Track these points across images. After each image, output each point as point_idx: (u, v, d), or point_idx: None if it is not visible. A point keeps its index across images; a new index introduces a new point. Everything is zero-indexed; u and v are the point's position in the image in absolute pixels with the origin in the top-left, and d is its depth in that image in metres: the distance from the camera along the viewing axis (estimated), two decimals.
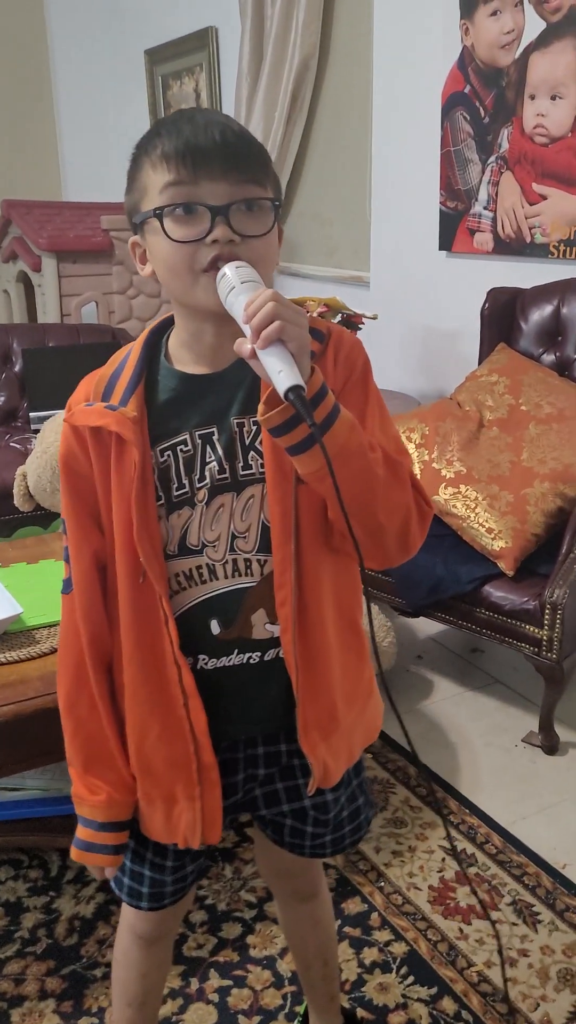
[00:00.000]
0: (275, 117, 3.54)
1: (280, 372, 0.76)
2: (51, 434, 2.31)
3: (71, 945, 1.61)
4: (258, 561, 0.95)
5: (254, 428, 0.92)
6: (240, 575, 0.95)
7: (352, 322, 2.88)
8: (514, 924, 1.64)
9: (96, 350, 3.47)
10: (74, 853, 1.05)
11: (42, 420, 2.95)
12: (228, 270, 0.83)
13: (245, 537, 0.94)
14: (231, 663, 0.98)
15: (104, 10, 4.77)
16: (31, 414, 3.43)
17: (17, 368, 3.55)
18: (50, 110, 5.17)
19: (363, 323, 2.90)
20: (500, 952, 1.57)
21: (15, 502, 2.38)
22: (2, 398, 3.57)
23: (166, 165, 0.84)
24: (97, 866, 1.06)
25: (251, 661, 0.98)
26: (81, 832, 1.04)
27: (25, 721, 1.46)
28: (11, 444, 3.24)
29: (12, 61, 4.97)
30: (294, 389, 0.75)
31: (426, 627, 2.76)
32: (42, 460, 2.28)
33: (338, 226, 3.61)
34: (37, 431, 2.81)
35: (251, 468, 0.92)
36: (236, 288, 0.81)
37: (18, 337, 3.59)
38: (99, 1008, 1.48)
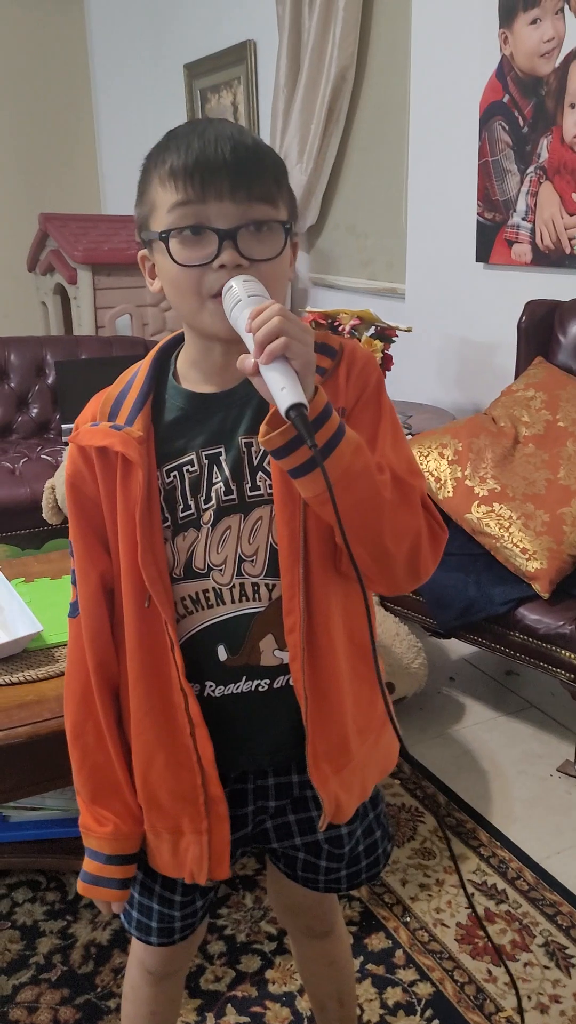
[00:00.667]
0: (311, 130, 3.51)
1: (283, 389, 0.73)
2: None
3: (86, 973, 1.57)
4: (266, 585, 0.91)
5: (262, 448, 0.88)
6: (247, 600, 0.92)
7: (386, 335, 2.83)
8: (546, 967, 1.57)
9: (128, 362, 3.44)
10: (81, 887, 1.02)
11: None
12: (235, 283, 0.79)
13: (252, 560, 0.90)
14: (239, 690, 0.94)
15: (144, 25, 4.79)
16: (63, 426, 3.43)
17: (50, 380, 3.55)
18: (90, 124, 5.21)
19: (397, 336, 2.85)
20: (518, 999, 1.49)
21: (43, 515, 2.37)
22: (35, 410, 3.57)
23: (174, 183, 0.81)
24: (104, 901, 1.02)
25: (259, 689, 0.94)
26: (88, 865, 1.00)
27: (42, 742, 1.43)
28: (42, 456, 3.23)
29: (54, 76, 5.02)
30: (296, 407, 0.72)
31: (459, 647, 2.69)
32: None
33: (373, 238, 3.56)
34: (67, 443, 2.80)
35: (259, 489, 0.89)
36: (242, 301, 0.78)
37: (51, 349, 3.59)
38: None
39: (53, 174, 5.11)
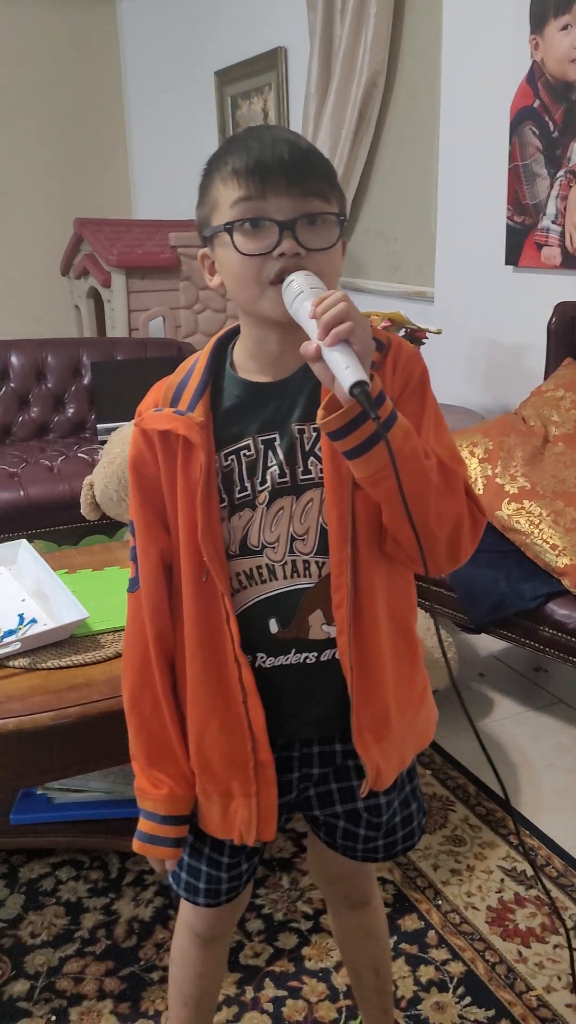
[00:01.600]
0: (342, 135, 3.57)
1: (347, 368, 0.78)
2: (118, 445, 2.35)
3: (130, 947, 1.63)
4: (316, 563, 0.97)
5: (314, 434, 0.95)
6: (298, 576, 0.98)
7: (416, 336, 2.88)
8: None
9: (162, 363, 3.53)
10: (136, 845, 1.07)
11: (109, 431, 3.01)
12: (296, 277, 0.86)
13: (304, 539, 0.97)
14: (288, 662, 1.00)
15: (176, 33, 4.87)
16: (98, 425, 3.50)
17: (86, 380, 3.63)
18: (122, 131, 5.30)
19: (427, 338, 2.89)
20: (573, 964, 1.53)
21: (82, 511, 2.43)
22: (71, 409, 3.65)
23: (236, 181, 0.88)
24: (157, 859, 1.08)
25: (308, 661, 1.00)
26: (143, 825, 1.06)
27: (90, 723, 1.49)
28: (79, 454, 3.31)
29: (87, 83, 5.12)
30: (360, 384, 0.78)
31: (488, 644, 2.73)
32: (108, 470, 2.33)
33: (403, 242, 3.61)
34: (104, 442, 2.87)
35: (311, 473, 0.95)
36: (304, 293, 0.84)
37: (88, 350, 3.67)
38: (155, 1011, 1.50)
39: (86, 180, 5.21)
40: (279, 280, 0.87)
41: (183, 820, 1.06)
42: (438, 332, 2.91)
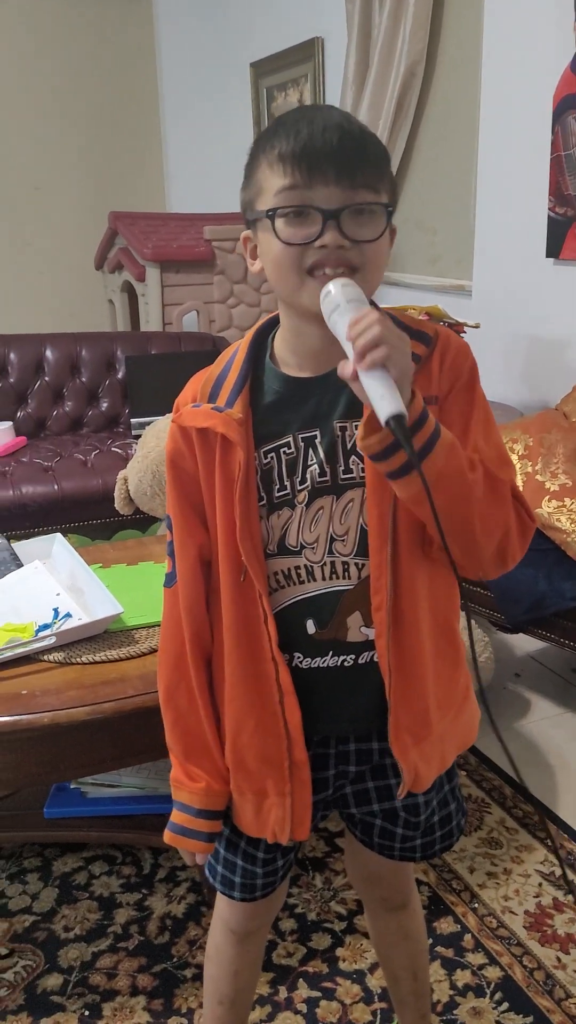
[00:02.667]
0: (379, 125, 3.53)
1: (382, 398, 0.76)
2: (152, 439, 2.35)
3: (162, 944, 1.62)
4: (355, 564, 0.95)
5: (356, 434, 0.91)
6: (337, 577, 0.96)
7: (454, 330, 2.84)
8: None
9: (196, 358, 3.52)
10: (167, 836, 1.06)
11: (143, 426, 3.01)
12: (333, 287, 0.83)
13: (343, 540, 0.94)
14: (326, 664, 0.98)
15: (211, 24, 4.85)
16: (132, 420, 3.50)
17: (120, 375, 3.63)
18: (157, 123, 5.29)
19: (464, 332, 2.85)
20: None
21: (116, 505, 2.43)
22: (105, 404, 3.65)
23: (282, 167, 0.85)
24: (189, 851, 1.07)
25: (345, 663, 0.98)
26: (177, 817, 1.05)
27: (124, 719, 1.48)
28: (113, 449, 3.31)
29: (121, 76, 5.11)
30: (395, 418, 0.75)
31: (525, 644, 2.69)
32: (143, 465, 2.32)
33: (441, 234, 3.57)
34: (138, 437, 2.87)
35: (351, 472, 0.93)
36: (341, 307, 0.81)
37: (122, 345, 3.67)
38: (188, 1009, 1.49)
39: (121, 173, 5.20)
40: (319, 270, 0.84)
41: (217, 815, 1.05)
42: (476, 326, 2.87)
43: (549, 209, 2.89)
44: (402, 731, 0.99)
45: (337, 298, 0.82)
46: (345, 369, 0.79)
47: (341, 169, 0.83)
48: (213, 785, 1.03)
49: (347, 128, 0.84)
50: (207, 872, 1.14)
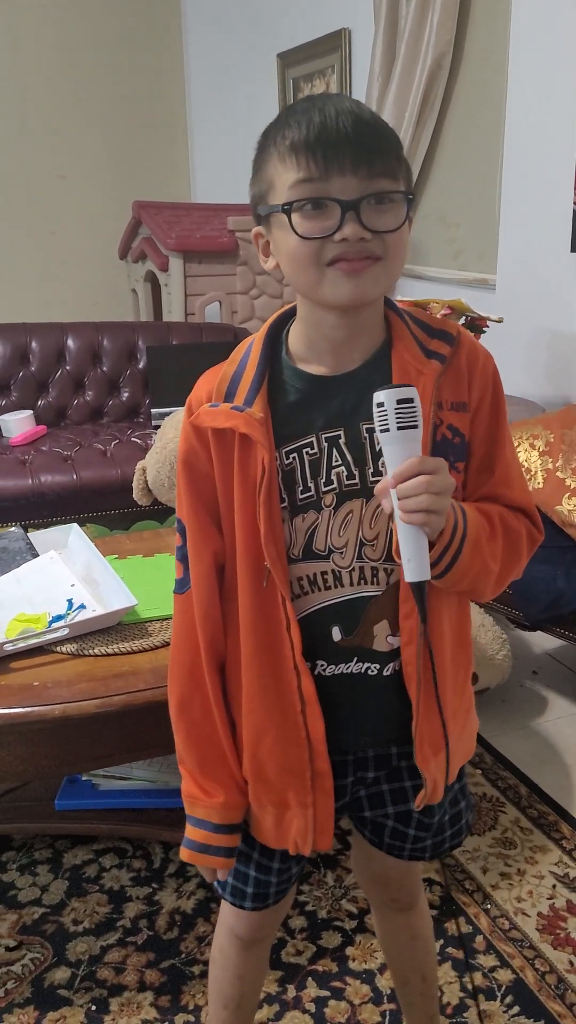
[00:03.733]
0: (405, 118, 3.49)
1: (409, 561, 0.83)
2: (171, 430, 2.34)
3: (171, 939, 1.61)
4: (385, 570, 0.92)
5: None
6: (366, 583, 0.93)
7: (477, 325, 2.81)
8: None
9: (217, 349, 3.50)
10: (186, 855, 1.03)
11: (163, 416, 3.00)
12: (386, 401, 0.81)
13: (374, 545, 0.92)
14: (350, 671, 0.96)
15: (239, 14, 4.82)
16: (152, 410, 3.50)
17: (141, 365, 3.62)
18: (182, 113, 5.27)
19: (487, 326, 2.82)
20: None
21: (134, 495, 2.42)
22: (126, 394, 3.65)
23: (295, 159, 0.81)
24: (210, 868, 1.04)
25: (369, 672, 0.96)
26: (194, 834, 1.01)
27: (136, 712, 1.48)
28: (132, 439, 3.30)
29: (148, 65, 5.10)
30: (417, 584, 0.84)
31: (542, 641, 2.66)
32: (161, 456, 2.31)
33: (464, 228, 3.53)
34: (158, 427, 2.86)
35: (382, 475, 0.89)
36: (392, 433, 0.81)
37: (143, 335, 3.66)
38: (195, 1006, 1.48)
39: (146, 163, 5.20)
40: (336, 261, 0.82)
41: (237, 828, 1.02)
42: (499, 320, 2.83)
43: (574, 203, 2.84)
44: (424, 743, 0.97)
45: (389, 421, 0.80)
46: (384, 504, 0.83)
47: (358, 156, 0.80)
48: (231, 798, 1.00)
49: (360, 114, 0.81)
50: (216, 885, 1.11)
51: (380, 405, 0.80)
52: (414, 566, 0.82)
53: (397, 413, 0.79)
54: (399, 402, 0.80)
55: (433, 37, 3.29)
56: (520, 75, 3.03)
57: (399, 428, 0.79)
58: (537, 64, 2.95)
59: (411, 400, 0.80)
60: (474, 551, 0.87)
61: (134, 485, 2.42)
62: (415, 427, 0.80)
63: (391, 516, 0.85)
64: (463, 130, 3.45)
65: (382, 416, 0.80)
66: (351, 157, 0.80)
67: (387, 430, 0.80)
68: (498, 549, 0.90)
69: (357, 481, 0.90)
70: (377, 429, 0.81)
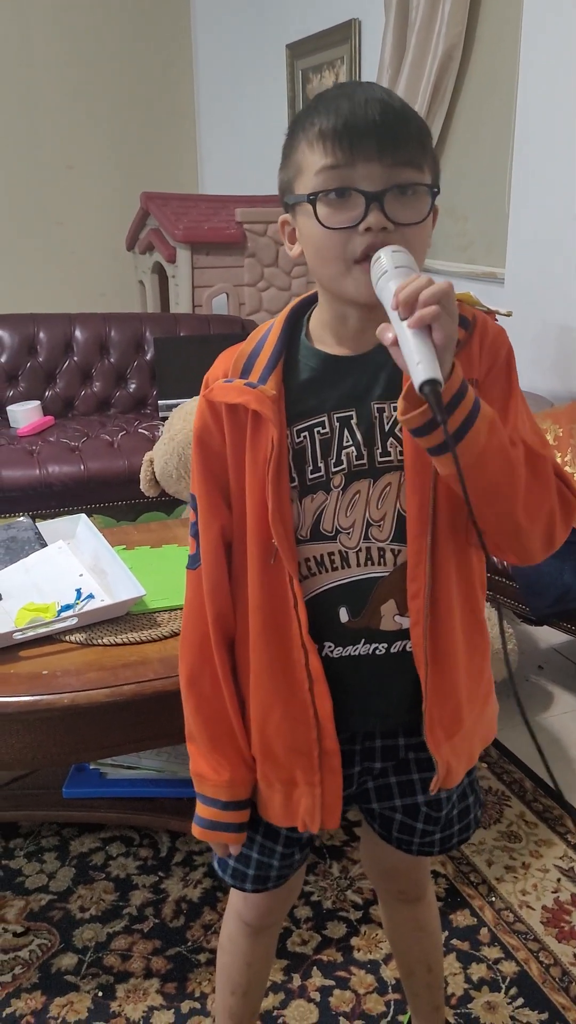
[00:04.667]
0: (415, 110, 3.48)
1: (419, 363, 0.73)
2: (178, 422, 2.33)
3: (177, 927, 1.62)
4: (392, 551, 0.92)
5: (395, 414, 0.89)
6: (373, 564, 0.93)
7: None
8: None
9: (225, 341, 3.48)
10: (196, 831, 1.04)
11: (170, 408, 3.00)
12: (383, 254, 0.80)
13: (380, 525, 0.92)
14: (357, 652, 0.96)
15: (248, 5, 4.80)
16: (160, 402, 3.50)
17: (148, 356, 3.63)
18: (191, 104, 5.26)
19: (496, 320, 2.81)
20: None
21: (141, 487, 2.42)
22: (133, 385, 3.65)
23: (322, 146, 0.82)
24: (222, 844, 1.05)
25: (377, 652, 0.96)
26: (204, 811, 1.03)
27: (144, 702, 1.48)
28: (139, 430, 3.31)
29: (156, 55, 5.08)
30: (430, 383, 0.72)
31: (549, 636, 2.66)
32: (169, 447, 2.31)
33: (473, 221, 3.52)
34: (165, 418, 2.86)
35: (389, 455, 0.90)
36: (389, 272, 0.78)
37: (151, 326, 3.66)
38: (202, 993, 1.49)
39: (154, 154, 5.18)
40: (365, 259, 0.82)
41: (245, 804, 1.03)
42: (508, 314, 2.82)
43: None
44: (436, 725, 0.97)
45: (386, 264, 0.79)
46: (385, 334, 0.76)
47: (383, 144, 0.80)
48: (237, 774, 1.01)
49: (388, 102, 0.81)
50: (216, 866, 1.13)
51: (378, 258, 0.80)
52: (424, 367, 0.72)
53: (394, 256, 0.79)
54: (394, 251, 0.80)
55: (444, 28, 3.28)
56: (531, 67, 3.02)
57: (396, 267, 0.78)
58: (548, 56, 2.93)
59: (403, 250, 0.80)
60: (492, 429, 0.79)
61: (141, 476, 2.42)
62: (409, 268, 0.79)
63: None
64: (473, 123, 3.44)
65: (379, 265, 0.80)
66: (377, 144, 0.80)
67: (385, 272, 0.79)
68: (520, 457, 0.82)
69: (366, 462, 0.90)
70: (375, 279, 0.80)
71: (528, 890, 1.71)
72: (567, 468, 2.20)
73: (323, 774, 0.97)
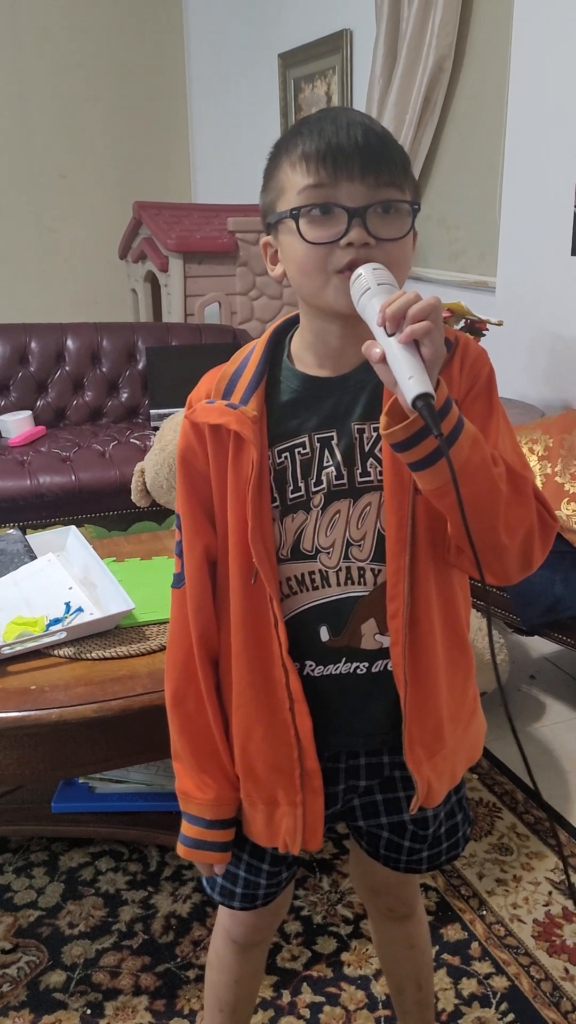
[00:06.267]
0: (406, 120, 3.49)
1: (410, 378, 0.73)
2: (170, 432, 2.33)
3: (167, 943, 1.61)
4: (372, 570, 0.93)
5: (375, 435, 0.89)
6: (353, 583, 0.93)
7: (476, 328, 2.81)
8: None
9: (217, 350, 3.50)
10: (181, 850, 1.04)
11: (162, 418, 3.00)
12: (364, 271, 0.80)
13: (360, 545, 0.92)
14: (339, 671, 0.96)
15: (241, 15, 4.82)
16: (151, 411, 3.49)
17: (140, 365, 3.62)
18: (183, 113, 5.27)
19: (487, 329, 2.82)
20: None
21: (132, 497, 2.42)
22: (125, 394, 3.65)
23: (306, 166, 0.83)
24: (207, 863, 1.05)
25: (359, 671, 0.96)
26: (189, 830, 1.03)
27: (133, 716, 1.47)
28: (131, 440, 3.30)
29: (149, 64, 5.09)
30: (423, 397, 0.72)
31: (540, 646, 2.66)
32: (160, 457, 2.31)
33: (464, 230, 3.53)
34: (157, 428, 2.86)
35: (369, 476, 0.90)
36: (372, 290, 0.79)
37: (143, 335, 3.66)
38: (191, 1011, 1.48)
39: (146, 163, 5.19)
40: (347, 269, 0.82)
41: (230, 823, 1.03)
42: (499, 324, 2.83)
43: (575, 207, 2.84)
44: (416, 744, 0.97)
45: (368, 280, 0.79)
46: (372, 351, 0.76)
47: (366, 165, 0.81)
48: (223, 793, 1.01)
49: (371, 127, 0.83)
50: (205, 883, 1.12)
51: (358, 276, 0.80)
52: (415, 381, 0.72)
53: (375, 273, 0.80)
54: (375, 269, 0.80)
55: (435, 39, 3.29)
56: (521, 78, 3.03)
57: (378, 284, 0.79)
58: (538, 67, 2.94)
59: (384, 268, 0.81)
60: (475, 445, 0.79)
61: (132, 486, 2.42)
62: (391, 286, 0.79)
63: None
64: (464, 132, 3.45)
65: (360, 282, 0.80)
66: (360, 165, 0.81)
67: (368, 289, 0.79)
68: (502, 474, 0.82)
69: (345, 481, 0.91)
70: (356, 296, 0.80)
71: (519, 903, 1.70)
72: (556, 478, 2.20)
73: (304, 794, 0.97)
